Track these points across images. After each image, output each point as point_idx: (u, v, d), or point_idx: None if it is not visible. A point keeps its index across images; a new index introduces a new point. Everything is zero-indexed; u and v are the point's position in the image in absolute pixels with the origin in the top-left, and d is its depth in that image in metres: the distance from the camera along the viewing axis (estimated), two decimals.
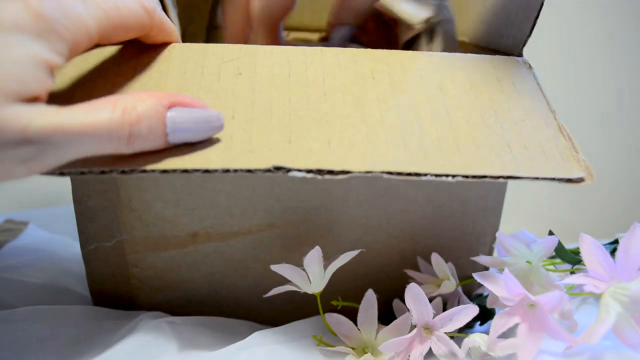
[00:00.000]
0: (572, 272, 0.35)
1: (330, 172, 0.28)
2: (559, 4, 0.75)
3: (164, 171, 0.28)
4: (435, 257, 0.36)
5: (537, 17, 0.34)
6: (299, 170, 0.28)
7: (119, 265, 0.37)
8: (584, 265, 0.31)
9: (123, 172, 0.27)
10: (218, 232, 0.36)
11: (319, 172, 0.28)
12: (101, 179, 0.34)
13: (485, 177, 0.28)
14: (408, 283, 0.37)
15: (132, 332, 0.34)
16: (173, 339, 0.33)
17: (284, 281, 0.34)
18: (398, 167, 0.28)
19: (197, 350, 0.33)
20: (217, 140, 0.29)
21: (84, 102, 0.26)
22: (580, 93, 0.78)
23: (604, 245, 0.34)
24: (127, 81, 0.31)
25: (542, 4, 0.33)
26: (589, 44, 0.78)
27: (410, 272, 0.37)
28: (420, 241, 0.38)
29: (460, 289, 0.37)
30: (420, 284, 0.37)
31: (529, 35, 0.35)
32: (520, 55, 0.36)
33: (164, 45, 0.33)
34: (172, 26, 0.33)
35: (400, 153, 0.29)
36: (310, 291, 0.34)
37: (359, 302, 0.34)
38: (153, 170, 0.28)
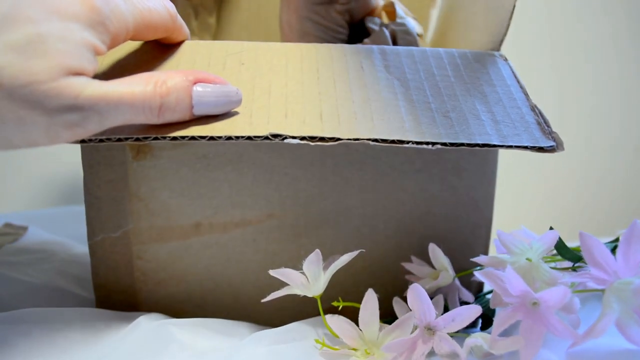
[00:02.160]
0: (573, 269, 0.34)
1: (322, 139, 0.30)
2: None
3: (174, 138, 0.30)
4: (433, 247, 0.36)
5: (510, 18, 0.36)
6: (294, 137, 0.30)
7: (124, 256, 0.37)
8: (585, 262, 0.30)
9: (137, 139, 0.30)
10: (220, 223, 0.37)
11: (312, 139, 0.30)
12: (112, 169, 0.35)
13: (462, 144, 0.30)
14: (406, 278, 0.37)
15: (132, 334, 0.33)
16: (172, 340, 0.33)
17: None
18: (383, 136, 0.30)
19: (197, 351, 0.32)
20: (220, 118, 0.31)
21: (121, 78, 0.29)
22: (580, 93, 0.77)
23: (606, 243, 0.33)
24: (144, 72, 0.33)
25: (514, 6, 0.35)
26: (588, 45, 0.77)
27: (408, 265, 0.37)
28: (416, 232, 0.38)
29: (458, 282, 0.36)
30: (417, 277, 0.36)
31: (504, 35, 0.37)
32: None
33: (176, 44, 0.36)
34: (187, 31, 0.35)
35: (385, 126, 0.31)
36: (310, 294, 0.33)
37: (358, 297, 0.33)
38: (164, 137, 0.30)
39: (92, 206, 0.36)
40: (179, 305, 0.38)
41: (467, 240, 0.39)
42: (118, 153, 0.35)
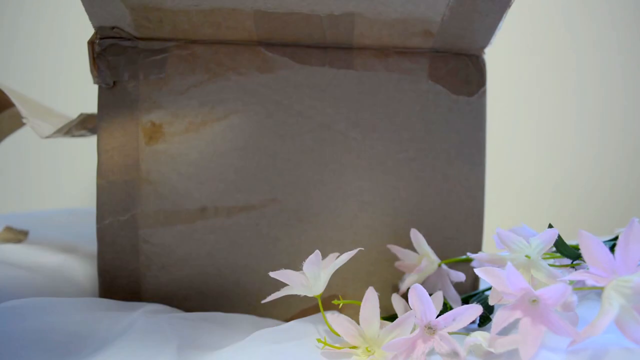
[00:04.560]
0: (572, 267, 0.34)
1: None
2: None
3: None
4: (414, 233, 0.35)
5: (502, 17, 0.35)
6: None
7: (130, 240, 0.37)
8: (583, 260, 0.30)
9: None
10: (224, 207, 0.37)
11: None
12: (126, 153, 0.36)
13: None
14: (396, 265, 0.37)
15: (132, 328, 0.32)
16: (173, 337, 0.31)
17: (285, 263, 0.34)
18: None
19: (197, 349, 0.31)
20: None
21: None
22: (580, 93, 0.77)
23: (604, 241, 0.33)
24: None
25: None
26: (588, 44, 0.77)
27: (394, 248, 0.36)
28: (412, 219, 0.38)
29: (445, 267, 0.36)
30: (407, 264, 0.36)
31: (492, 35, 0.37)
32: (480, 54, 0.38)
33: None
34: None
35: None
36: (310, 294, 0.32)
37: (357, 285, 0.33)
38: None
39: (104, 190, 0.36)
40: (181, 292, 0.37)
41: (461, 227, 0.39)
42: (132, 138, 0.36)
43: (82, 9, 0.34)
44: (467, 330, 0.32)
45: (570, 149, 0.77)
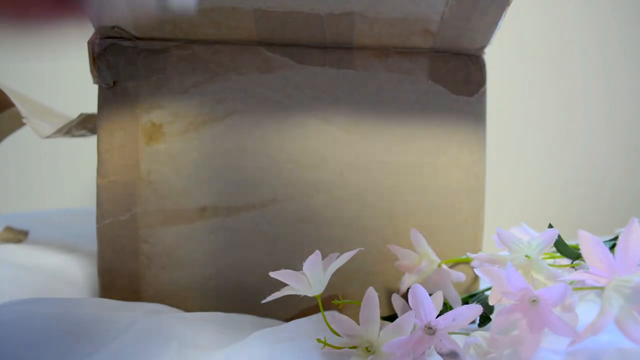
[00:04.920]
0: (572, 267, 0.34)
1: None
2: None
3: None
4: (414, 233, 0.35)
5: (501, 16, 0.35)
6: None
7: (130, 240, 0.37)
8: (584, 260, 0.30)
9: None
10: (224, 207, 0.37)
11: None
12: (126, 153, 0.36)
13: None
14: (396, 265, 0.37)
15: (132, 328, 0.31)
16: (173, 337, 0.31)
17: (285, 263, 0.33)
18: None
19: (197, 349, 0.31)
20: None
21: None
22: (581, 92, 0.77)
23: (604, 241, 0.33)
24: None
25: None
26: (588, 43, 0.77)
27: (394, 249, 0.36)
28: (412, 219, 0.38)
29: (445, 267, 0.36)
30: (406, 264, 0.36)
31: (491, 35, 0.37)
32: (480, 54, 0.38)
33: None
34: None
35: None
36: (310, 294, 0.32)
37: (357, 285, 0.33)
38: None
39: (104, 190, 0.36)
40: (181, 292, 0.37)
41: (461, 227, 0.39)
42: (132, 138, 0.36)
43: None
44: (467, 330, 0.32)
45: (569, 149, 0.77)
